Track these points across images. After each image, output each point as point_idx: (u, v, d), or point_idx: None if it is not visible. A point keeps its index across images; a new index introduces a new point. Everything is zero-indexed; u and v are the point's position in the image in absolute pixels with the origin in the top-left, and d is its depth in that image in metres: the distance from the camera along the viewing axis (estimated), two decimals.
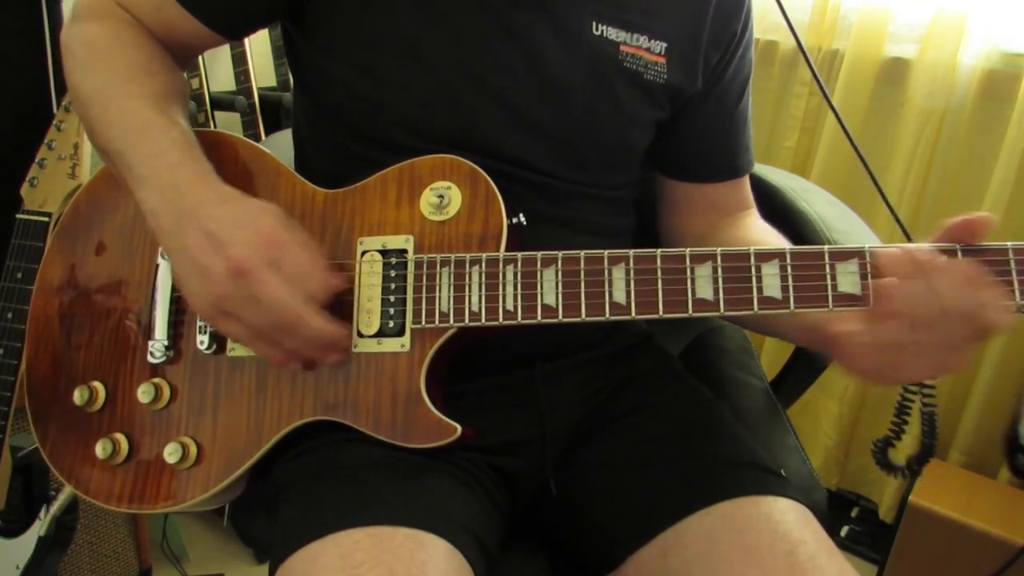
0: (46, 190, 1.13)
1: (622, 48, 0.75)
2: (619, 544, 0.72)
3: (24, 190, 1.14)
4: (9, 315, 1.11)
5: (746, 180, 0.91)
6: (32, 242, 1.12)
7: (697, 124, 0.84)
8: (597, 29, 0.75)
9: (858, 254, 0.62)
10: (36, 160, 1.14)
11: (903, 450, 0.83)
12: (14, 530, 1.17)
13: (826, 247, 0.62)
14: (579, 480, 0.79)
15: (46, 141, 1.15)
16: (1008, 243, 0.60)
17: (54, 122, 1.15)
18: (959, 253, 0.60)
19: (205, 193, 0.67)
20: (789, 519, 0.68)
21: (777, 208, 0.97)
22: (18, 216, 1.13)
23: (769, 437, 0.91)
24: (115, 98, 0.72)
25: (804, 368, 0.99)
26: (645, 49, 0.76)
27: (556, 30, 0.74)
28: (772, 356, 1.71)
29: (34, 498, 1.18)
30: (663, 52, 0.77)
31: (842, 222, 0.95)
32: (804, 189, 1.02)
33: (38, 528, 1.18)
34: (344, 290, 0.70)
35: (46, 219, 1.13)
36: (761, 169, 1.06)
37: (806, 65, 0.93)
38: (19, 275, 1.11)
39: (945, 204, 1.59)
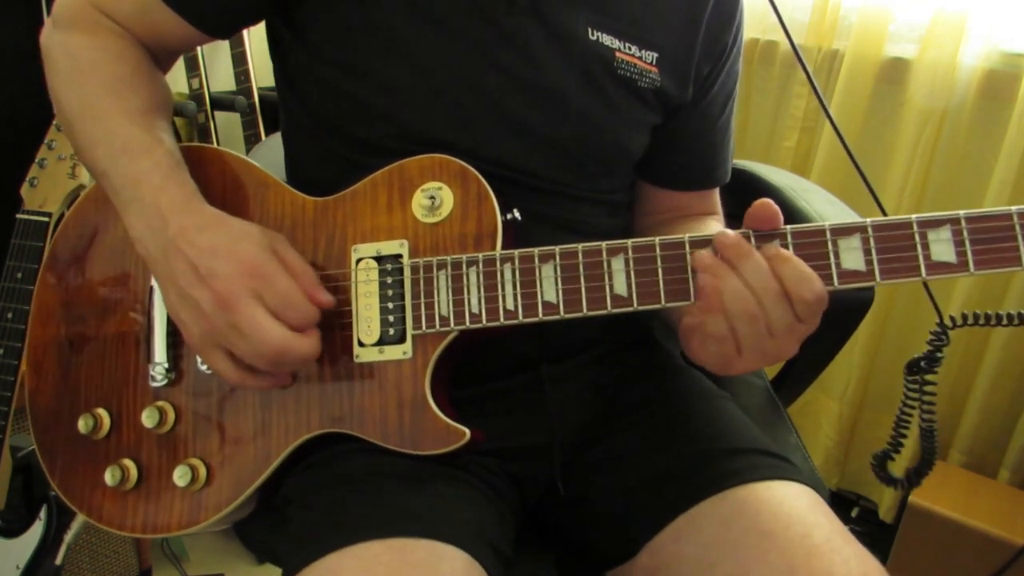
0: (46, 190, 1.14)
1: (617, 55, 0.75)
2: (633, 535, 0.72)
3: (24, 190, 1.14)
4: (9, 315, 1.11)
5: (717, 190, 0.91)
6: (32, 242, 1.12)
7: (679, 134, 0.84)
8: (593, 35, 0.74)
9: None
10: (36, 160, 1.14)
11: (901, 460, 0.83)
12: (14, 530, 1.18)
13: (828, 224, 0.62)
14: (588, 477, 0.79)
15: (46, 141, 1.15)
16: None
17: (54, 122, 1.15)
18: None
19: (186, 219, 0.66)
20: (802, 503, 0.68)
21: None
22: (18, 216, 1.13)
23: (771, 435, 0.91)
24: (99, 116, 0.71)
25: (804, 367, 0.99)
26: (637, 58, 0.76)
27: (551, 34, 0.73)
28: None
29: (34, 498, 1.18)
30: (654, 62, 0.77)
31: (842, 220, 0.95)
32: (804, 188, 1.02)
33: (38, 528, 1.18)
34: (341, 300, 0.70)
35: (46, 219, 1.13)
36: (760, 168, 1.06)
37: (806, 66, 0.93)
38: (19, 275, 1.11)
39: (945, 204, 1.59)
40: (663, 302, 0.63)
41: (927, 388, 0.76)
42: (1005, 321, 0.70)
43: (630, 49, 0.76)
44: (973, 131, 1.54)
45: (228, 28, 0.78)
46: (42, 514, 1.18)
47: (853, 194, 1.03)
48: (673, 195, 0.89)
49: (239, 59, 1.69)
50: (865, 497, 1.84)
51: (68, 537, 1.19)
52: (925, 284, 0.83)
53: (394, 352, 0.68)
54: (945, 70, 1.52)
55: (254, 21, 0.79)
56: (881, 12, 1.58)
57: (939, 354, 0.75)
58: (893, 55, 1.60)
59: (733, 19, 0.82)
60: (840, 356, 1.32)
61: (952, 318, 0.73)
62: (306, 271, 0.68)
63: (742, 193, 0.94)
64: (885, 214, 0.94)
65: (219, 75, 1.77)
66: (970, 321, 0.72)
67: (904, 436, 0.80)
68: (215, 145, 1.68)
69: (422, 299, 0.68)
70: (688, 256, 0.63)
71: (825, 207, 0.97)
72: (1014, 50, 1.49)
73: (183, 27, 0.74)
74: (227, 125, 1.75)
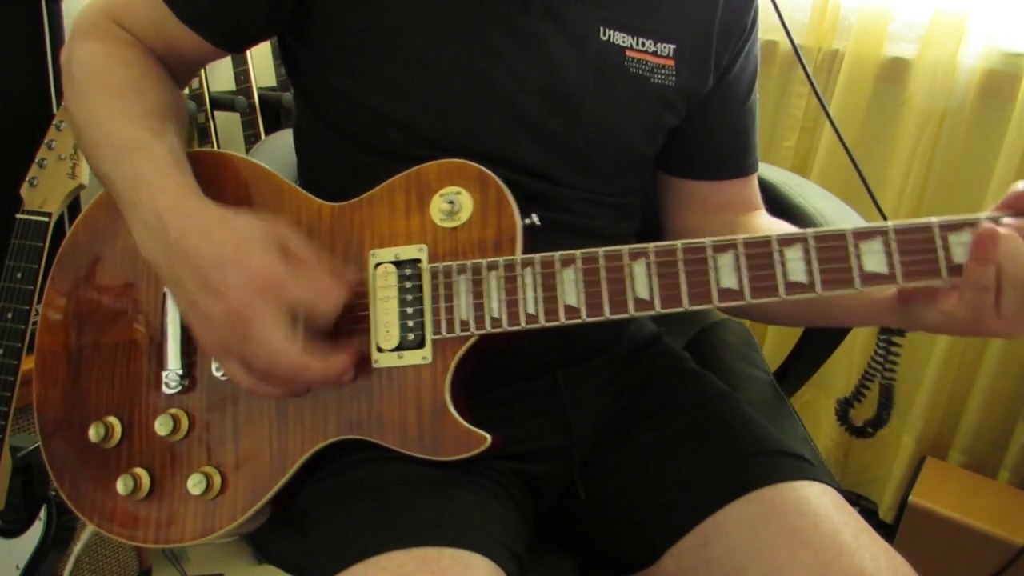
0: (46, 190, 1.13)
1: (628, 53, 0.75)
2: (656, 539, 0.72)
3: (24, 190, 1.14)
4: (9, 315, 1.11)
5: (755, 179, 0.90)
6: (32, 242, 1.12)
7: (706, 121, 0.83)
8: (604, 34, 0.74)
9: (881, 233, 0.60)
10: (36, 160, 1.14)
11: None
12: (14, 530, 1.18)
13: (849, 228, 0.60)
14: (608, 481, 0.78)
15: (46, 141, 1.15)
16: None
17: (54, 122, 1.15)
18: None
19: (185, 220, 0.64)
20: (826, 502, 0.69)
21: (774, 204, 0.97)
22: (18, 216, 1.13)
23: (779, 429, 0.90)
24: (102, 120, 0.70)
25: (806, 361, 0.99)
26: (651, 53, 0.76)
27: (565, 37, 0.73)
28: (773, 350, 1.71)
29: (34, 498, 1.18)
30: (671, 55, 0.76)
31: (840, 215, 0.95)
32: (799, 184, 1.02)
33: (38, 528, 1.18)
34: (360, 305, 0.69)
35: (46, 219, 1.13)
36: None
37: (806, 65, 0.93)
38: (19, 275, 1.11)
39: (945, 204, 1.59)
40: (686, 305, 0.63)
41: (893, 348, 0.81)
42: None
43: (643, 45, 0.75)
44: (973, 131, 1.54)
45: (241, 43, 0.78)
46: (42, 514, 1.18)
47: (854, 194, 1.03)
48: (712, 187, 0.87)
49: (239, 59, 1.69)
50: (865, 497, 1.83)
51: (77, 548, 1.19)
52: None
53: (413, 357, 0.68)
54: (945, 70, 1.52)
55: (267, 36, 0.79)
56: (881, 12, 1.58)
57: None
58: (893, 55, 1.60)
59: (751, 1, 0.81)
60: (840, 355, 1.31)
61: None
62: (318, 265, 0.65)
63: None
64: (883, 215, 0.94)
65: (219, 75, 1.77)
66: None
67: (867, 388, 0.84)
68: (215, 146, 1.68)
69: (442, 304, 0.67)
70: (711, 259, 0.63)
71: (821, 202, 0.97)
72: (1014, 50, 1.49)
73: (196, 41, 0.74)
74: (227, 125, 1.75)
